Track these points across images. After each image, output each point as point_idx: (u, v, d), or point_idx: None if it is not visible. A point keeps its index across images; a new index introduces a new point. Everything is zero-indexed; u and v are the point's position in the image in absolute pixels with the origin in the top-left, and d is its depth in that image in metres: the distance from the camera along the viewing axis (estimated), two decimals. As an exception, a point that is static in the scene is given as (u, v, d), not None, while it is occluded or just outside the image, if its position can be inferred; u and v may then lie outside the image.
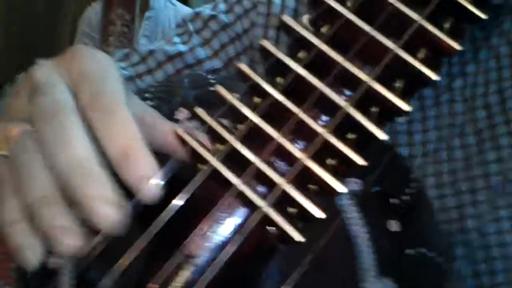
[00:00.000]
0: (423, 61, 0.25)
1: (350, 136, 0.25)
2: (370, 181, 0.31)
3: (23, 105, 0.27)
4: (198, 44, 0.67)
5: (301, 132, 0.25)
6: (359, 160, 0.24)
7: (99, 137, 0.24)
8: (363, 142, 0.25)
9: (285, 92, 0.25)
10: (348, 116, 0.24)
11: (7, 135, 0.26)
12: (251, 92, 0.26)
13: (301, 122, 0.25)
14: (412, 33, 0.25)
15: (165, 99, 0.36)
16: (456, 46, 0.25)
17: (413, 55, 0.25)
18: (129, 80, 0.64)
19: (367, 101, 0.25)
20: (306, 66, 0.25)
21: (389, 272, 0.30)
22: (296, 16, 0.67)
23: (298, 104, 0.25)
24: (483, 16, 0.25)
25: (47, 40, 2.66)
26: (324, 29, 0.26)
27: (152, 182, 0.23)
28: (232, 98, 0.26)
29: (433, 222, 0.45)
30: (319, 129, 0.24)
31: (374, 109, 0.25)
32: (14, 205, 0.24)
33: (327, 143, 0.24)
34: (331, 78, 0.25)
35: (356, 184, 0.30)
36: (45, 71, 0.27)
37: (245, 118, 0.25)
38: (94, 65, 0.27)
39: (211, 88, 0.38)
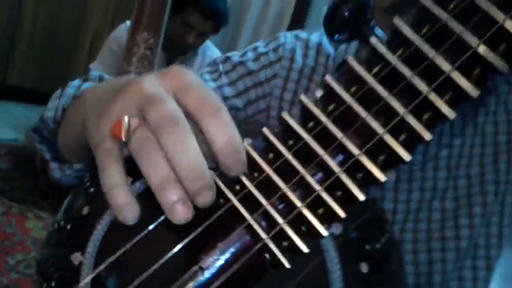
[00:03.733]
0: (402, 144, 0.33)
1: (338, 193, 0.33)
2: (351, 227, 0.38)
3: (130, 108, 0.33)
4: (226, 84, 0.74)
5: (302, 186, 0.33)
6: (342, 214, 0.32)
7: (207, 132, 0.32)
8: (348, 198, 0.33)
9: (294, 153, 0.33)
10: (338, 179, 0.32)
11: (125, 126, 0.32)
12: (267, 148, 0.34)
13: (303, 179, 0.32)
14: (396, 122, 0.33)
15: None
16: (427, 136, 0.32)
17: (396, 138, 0.33)
18: None
19: (355, 169, 0.33)
20: (314, 136, 0.33)
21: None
22: (312, 74, 0.75)
23: (303, 163, 0.33)
24: (450, 116, 0.33)
25: (68, 53, 2.73)
26: (330, 107, 0.34)
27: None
28: (250, 150, 0.34)
29: (401, 270, 0.52)
30: (316, 186, 0.32)
31: (359, 175, 0.33)
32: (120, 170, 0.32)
33: (320, 197, 0.32)
34: (332, 148, 0.33)
35: (338, 228, 0.37)
36: (153, 83, 0.34)
37: (261, 170, 0.33)
38: (195, 78, 0.35)
39: None
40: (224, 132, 0.32)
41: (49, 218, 1.82)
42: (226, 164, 0.32)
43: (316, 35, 0.78)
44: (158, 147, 0.32)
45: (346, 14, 0.41)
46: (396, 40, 0.34)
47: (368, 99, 0.33)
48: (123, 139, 0.32)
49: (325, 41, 0.78)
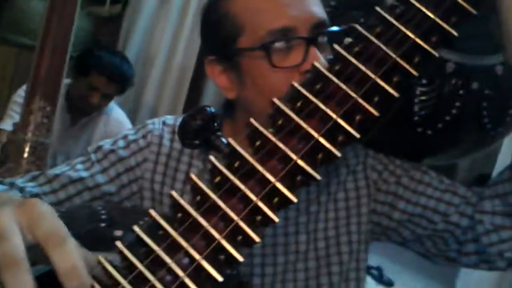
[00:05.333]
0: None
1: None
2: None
3: None
4: (98, 171, 0.79)
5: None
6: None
7: (52, 261, 0.37)
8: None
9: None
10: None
11: None
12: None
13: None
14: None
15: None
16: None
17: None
18: (34, 197, 0.74)
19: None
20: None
21: None
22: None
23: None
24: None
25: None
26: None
27: None
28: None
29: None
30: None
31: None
32: None
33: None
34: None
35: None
36: (7, 218, 0.39)
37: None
38: (48, 210, 0.40)
39: (102, 224, 0.49)
40: (66, 261, 0.37)
41: None
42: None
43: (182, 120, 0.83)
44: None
45: (197, 124, 0.49)
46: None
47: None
48: None
49: None
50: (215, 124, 0.49)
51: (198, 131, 0.50)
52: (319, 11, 0.73)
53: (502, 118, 0.81)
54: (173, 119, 0.86)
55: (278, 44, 0.70)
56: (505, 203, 0.71)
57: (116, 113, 2.08)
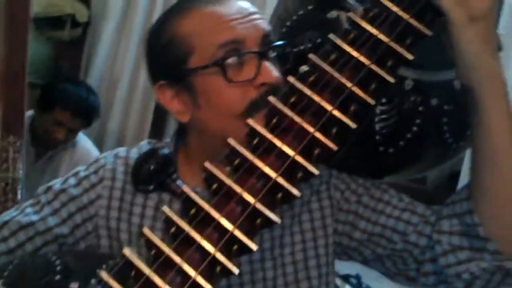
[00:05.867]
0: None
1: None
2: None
3: None
4: (49, 214, 0.77)
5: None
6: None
7: None
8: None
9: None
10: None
11: None
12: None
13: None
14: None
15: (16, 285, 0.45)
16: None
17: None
18: None
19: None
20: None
21: None
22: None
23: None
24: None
25: None
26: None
27: None
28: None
29: None
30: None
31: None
32: None
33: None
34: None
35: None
36: None
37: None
38: None
39: (57, 277, 0.46)
40: None
41: None
42: None
43: (134, 151, 0.82)
44: None
45: (151, 167, 0.48)
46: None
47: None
48: None
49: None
50: (170, 167, 0.48)
51: (152, 175, 0.48)
52: (265, 24, 0.75)
53: (463, 132, 0.82)
54: (126, 151, 0.84)
55: (230, 60, 0.71)
56: (463, 223, 0.70)
57: (83, 143, 2.04)
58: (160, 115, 2.51)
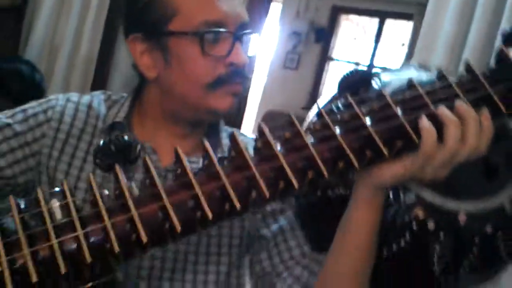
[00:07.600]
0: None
1: None
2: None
3: None
4: None
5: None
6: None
7: None
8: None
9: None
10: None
11: None
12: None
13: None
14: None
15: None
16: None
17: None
18: None
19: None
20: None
21: None
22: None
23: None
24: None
25: None
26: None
27: None
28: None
29: None
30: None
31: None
32: None
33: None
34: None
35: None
36: None
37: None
38: None
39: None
40: None
41: None
42: None
43: (87, 98, 0.87)
44: None
45: (113, 149, 0.52)
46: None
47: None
48: None
49: (96, 103, 0.87)
50: (130, 154, 0.52)
51: (113, 157, 0.51)
52: (245, 13, 0.81)
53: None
54: (78, 97, 0.87)
55: (209, 35, 0.77)
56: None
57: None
58: (100, 83, 2.56)
